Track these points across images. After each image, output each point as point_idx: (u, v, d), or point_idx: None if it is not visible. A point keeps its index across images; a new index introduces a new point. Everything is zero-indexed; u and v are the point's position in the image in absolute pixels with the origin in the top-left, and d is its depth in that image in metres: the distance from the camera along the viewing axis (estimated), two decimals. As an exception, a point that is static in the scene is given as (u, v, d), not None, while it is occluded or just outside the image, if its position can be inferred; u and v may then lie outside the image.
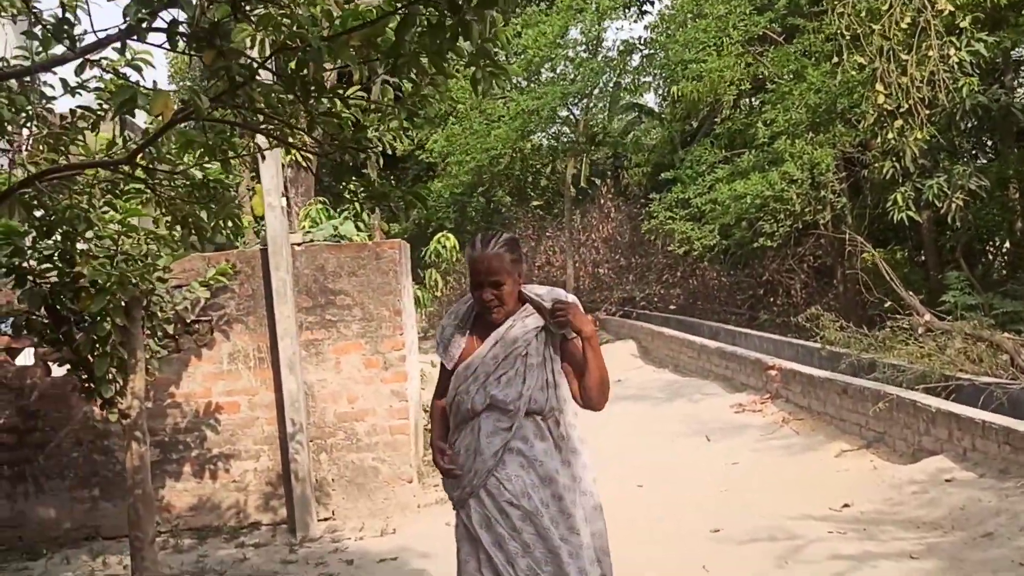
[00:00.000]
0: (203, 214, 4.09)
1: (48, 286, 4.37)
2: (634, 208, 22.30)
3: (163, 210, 4.16)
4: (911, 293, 9.80)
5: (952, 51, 9.99)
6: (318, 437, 6.68)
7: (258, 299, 6.63)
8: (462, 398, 3.06)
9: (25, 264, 4.29)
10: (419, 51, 2.80)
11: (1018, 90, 13.67)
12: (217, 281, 6.38)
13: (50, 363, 6.50)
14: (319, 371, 6.68)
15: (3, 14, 3.42)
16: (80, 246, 4.33)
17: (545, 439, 3.04)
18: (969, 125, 14.09)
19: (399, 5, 2.63)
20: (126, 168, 3.64)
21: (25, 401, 6.56)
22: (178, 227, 4.20)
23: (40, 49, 3.08)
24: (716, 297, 19.59)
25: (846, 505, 5.98)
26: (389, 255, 6.74)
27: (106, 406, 4.77)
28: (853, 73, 12.05)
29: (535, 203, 25.40)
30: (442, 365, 3.20)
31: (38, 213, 4.01)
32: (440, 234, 11.54)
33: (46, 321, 4.57)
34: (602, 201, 23.13)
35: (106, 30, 2.76)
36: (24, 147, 4.14)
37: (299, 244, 6.78)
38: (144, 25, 2.58)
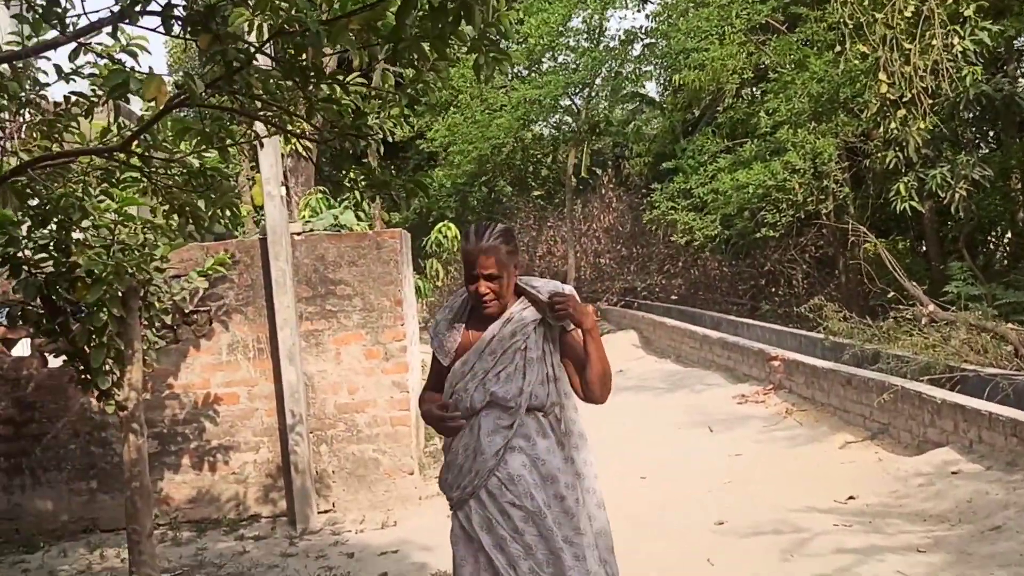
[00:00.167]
0: (201, 203, 4.02)
1: (44, 276, 4.31)
2: (635, 198, 22.28)
3: (160, 199, 4.11)
4: (914, 283, 9.76)
5: (956, 40, 9.93)
6: (318, 428, 6.63)
7: (257, 289, 6.57)
8: (460, 396, 2.94)
9: (20, 254, 4.23)
10: (420, 35, 2.73)
11: (1021, 79, 13.58)
12: (216, 271, 6.33)
13: (46, 354, 6.46)
14: (319, 362, 6.62)
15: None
16: (76, 235, 4.27)
17: (547, 436, 2.94)
18: (972, 115, 14.04)
19: (400, -12, 2.57)
20: (121, 156, 3.58)
21: (21, 392, 6.51)
22: (176, 216, 4.14)
23: (31, 33, 3.02)
24: (718, 287, 19.56)
25: (851, 497, 5.94)
26: (390, 245, 6.68)
27: (103, 397, 4.71)
28: (856, 62, 12.01)
29: (536, 193, 25.34)
30: (434, 359, 3.08)
31: (33, 202, 3.95)
32: (441, 224, 11.54)
33: (42, 311, 4.51)
34: (603, 191, 23.10)
35: (97, 12, 2.70)
36: (16, 134, 4.07)
37: (299, 233, 6.74)
38: (137, 8, 2.51)
